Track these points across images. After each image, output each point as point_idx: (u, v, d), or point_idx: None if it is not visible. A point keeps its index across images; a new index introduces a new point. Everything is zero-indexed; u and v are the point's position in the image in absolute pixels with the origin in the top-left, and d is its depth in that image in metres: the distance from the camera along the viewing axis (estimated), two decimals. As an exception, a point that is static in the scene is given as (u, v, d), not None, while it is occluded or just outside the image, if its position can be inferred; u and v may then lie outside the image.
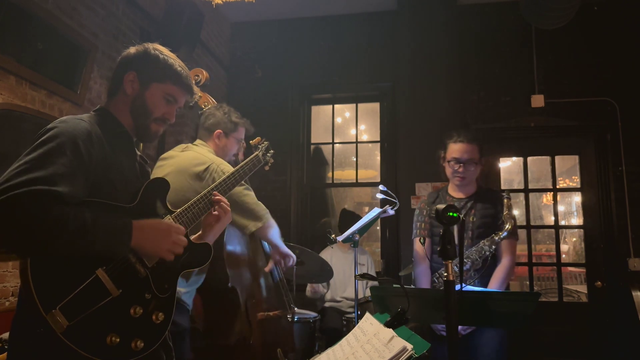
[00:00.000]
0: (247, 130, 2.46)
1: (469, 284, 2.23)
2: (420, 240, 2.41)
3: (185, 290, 2.02)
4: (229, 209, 1.58)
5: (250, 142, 2.08)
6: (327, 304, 3.83)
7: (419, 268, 2.46)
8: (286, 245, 2.39)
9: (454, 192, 2.49)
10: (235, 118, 2.37)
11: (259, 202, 2.20)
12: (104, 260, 1.22)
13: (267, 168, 2.07)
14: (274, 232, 2.28)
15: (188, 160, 2.16)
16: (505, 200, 2.27)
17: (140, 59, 1.45)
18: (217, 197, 1.56)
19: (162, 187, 1.44)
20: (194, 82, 2.51)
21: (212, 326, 2.25)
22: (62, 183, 1.14)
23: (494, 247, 2.29)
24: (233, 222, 2.12)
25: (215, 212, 1.57)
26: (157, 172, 2.20)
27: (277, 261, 2.37)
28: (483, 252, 2.29)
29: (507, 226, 2.25)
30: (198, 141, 2.34)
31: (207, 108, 2.45)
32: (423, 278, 2.44)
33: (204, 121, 2.38)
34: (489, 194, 2.47)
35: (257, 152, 1.84)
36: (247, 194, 2.15)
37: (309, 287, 3.79)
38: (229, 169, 2.07)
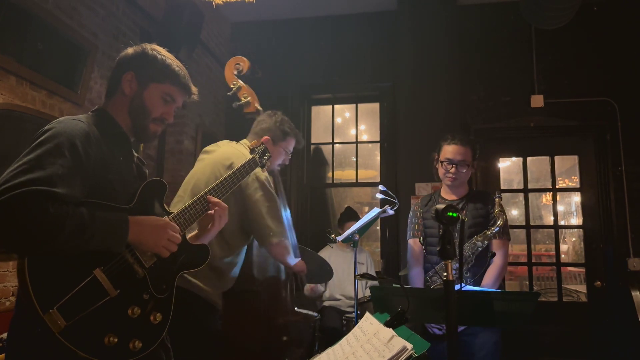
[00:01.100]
0: (298, 142, 2.43)
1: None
2: (420, 240, 2.42)
3: (216, 291, 2.03)
4: (223, 212, 1.57)
5: (247, 144, 2.08)
6: (326, 303, 3.83)
7: (413, 271, 2.50)
8: None
9: (447, 194, 2.52)
10: (287, 128, 2.35)
11: (276, 218, 2.12)
12: (101, 258, 1.22)
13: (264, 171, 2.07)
14: (281, 253, 2.20)
15: (222, 154, 2.19)
16: (497, 199, 2.31)
17: (138, 59, 1.45)
18: (212, 201, 1.54)
19: (160, 188, 1.44)
20: (235, 72, 2.54)
21: (234, 329, 2.24)
22: (60, 184, 1.14)
23: (486, 242, 2.33)
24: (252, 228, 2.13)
25: (211, 212, 1.55)
26: (197, 165, 2.27)
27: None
28: (476, 247, 2.33)
29: (498, 222, 2.29)
30: (244, 140, 2.33)
31: (261, 115, 2.43)
32: (417, 280, 2.47)
33: (255, 126, 2.38)
34: (480, 195, 2.52)
35: (253, 155, 1.84)
36: (270, 207, 2.11)
37: (307, 287, 3.79)
38: (258, 170, 2.03)
